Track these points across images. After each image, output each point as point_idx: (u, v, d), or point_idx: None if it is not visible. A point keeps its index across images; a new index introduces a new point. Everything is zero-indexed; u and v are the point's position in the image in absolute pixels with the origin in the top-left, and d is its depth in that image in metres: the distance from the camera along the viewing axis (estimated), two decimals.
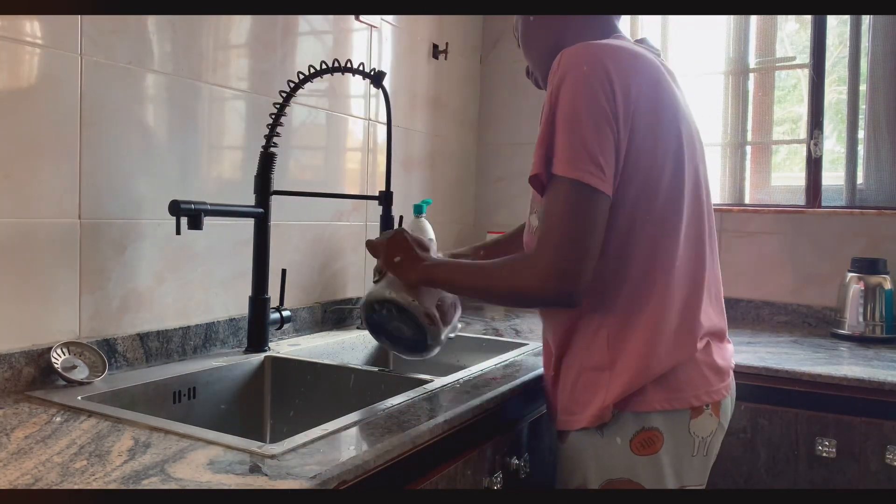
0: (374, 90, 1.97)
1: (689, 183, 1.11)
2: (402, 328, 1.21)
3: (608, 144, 1.00)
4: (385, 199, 1.41)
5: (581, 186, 0.99)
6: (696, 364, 1.09)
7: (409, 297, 1.18)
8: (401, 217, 1.51)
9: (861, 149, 2.12)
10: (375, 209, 1.96)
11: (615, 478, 1.08)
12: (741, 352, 1.67)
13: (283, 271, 1.54)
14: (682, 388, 1.07)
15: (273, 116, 1.44)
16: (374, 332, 1.26)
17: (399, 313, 1.19)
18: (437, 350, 1.23)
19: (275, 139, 1.45)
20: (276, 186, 1.48)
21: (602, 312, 1.09)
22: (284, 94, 1.44)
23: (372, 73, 1.38)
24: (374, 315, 1.23)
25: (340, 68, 1.39)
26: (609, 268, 1.07)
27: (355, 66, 1.39)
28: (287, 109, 1.46)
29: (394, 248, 1.21)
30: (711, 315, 1.15)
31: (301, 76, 1.42)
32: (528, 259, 1.04)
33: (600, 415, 1.07)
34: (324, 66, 1.40)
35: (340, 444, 0.93)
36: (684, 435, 1.08)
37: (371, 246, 1.26)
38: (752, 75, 2.30)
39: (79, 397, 1.08)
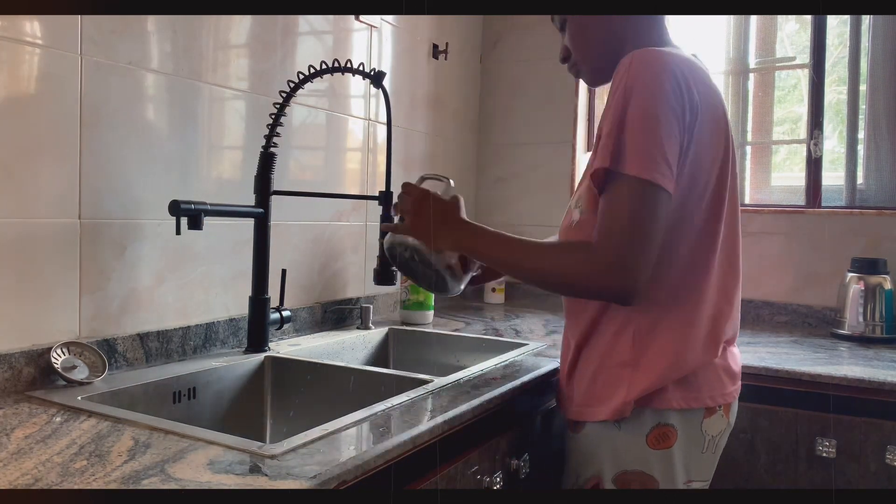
0: (374, 90, 1.97)
1: (729, 192, 1.14)
2: (426, 270, 1.25)
3: (676, 147, 1.03)
4: (385, 199, 1.41)
5: (653, 187, 1.01)
6: (715, 367, 1.14)
7: (429, 250, 1.21)
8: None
9: (861, 149, 2.12)
10: (375, 209, 1.96)
11: (629, 469, 1.12)
12: (741, 352, 1.67)
13: (283, 271, 1.54)
14: (700, 389, 1.11)
15: (273, 116, 1.44)
16: (399, 267, 1.29)
17: (419, 257, 1.23)
18: (459, 291, 1.29)
19: (275, 139, 1.45)
20: (276, 186, 1.48)
21: (631, 310, 1.10)
22: (284, 94, 1.44)
23: (372, 73, 1.38)
24: (396, 256, 1.26)
25: (340, 68, 1.39)
26: None
27: (355, 66, 1.39)
28: (287, 109, 1.46)
29: (441, 206, 1.19)
30: (736, 324, 1.21)
31: (301, 76, 1.42)
32: (591, 249, 1.04)
33: (621, 409, 1.10)
34: (324, 66, 1.40)
35: (340, 444, 0.93)
36: (696, 433, 1.12)
37: (410, 188, 1.22)
38: (752, 75, 2.30)
39: (79, 397, 1.08)
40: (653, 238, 1.02)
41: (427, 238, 1.20)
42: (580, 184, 1.18)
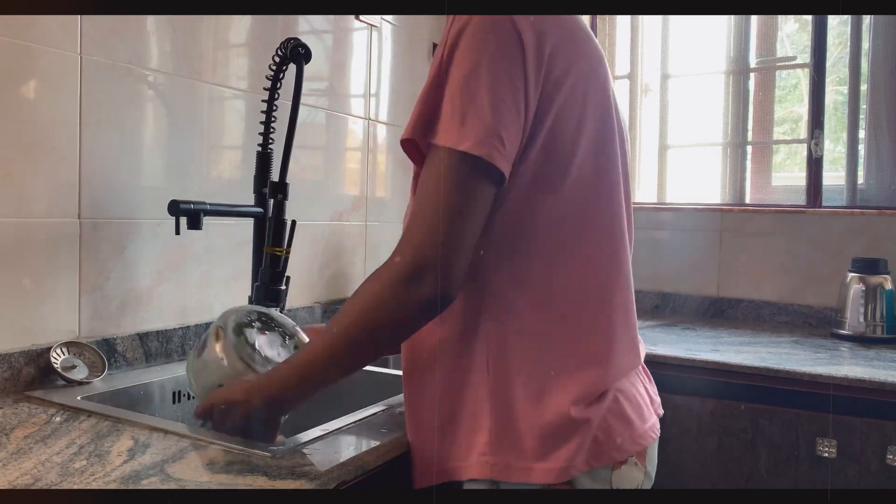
0: (373, 90, 1.97)
1: (609, 171, 0.89)
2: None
3: (512, 113, 0.80)
4: (274, 191, 1.29)
5: (473, 161, 0.78)
6: (611, 411, 0.86)
7: None
8: (293, 221, 1.42)
9: (862, 148, 2.12)
10: (375, 209, 1.96)
11: None
12: (742, 352, 1.67)
13: None
14: (598, 441, 0.84)
15: (264, 113, 1.43)
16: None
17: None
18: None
19: (272, 137, 1.45)
20: None
21: (485, 324, 0.87)
22: (268, 90, 1.37)
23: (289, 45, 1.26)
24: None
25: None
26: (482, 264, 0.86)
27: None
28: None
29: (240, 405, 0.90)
30: (635, 349, 0.93)
31: (272, 68, 1.35)
32: (387, 264, 0.82)
33: (482, 469, 0.86)
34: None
35: (340, 444, 0.93)
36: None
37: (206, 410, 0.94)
38: (752, 75, 2.30)
39: (78, 397, 1.08)
40: (466, 226, 0.79)
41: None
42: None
